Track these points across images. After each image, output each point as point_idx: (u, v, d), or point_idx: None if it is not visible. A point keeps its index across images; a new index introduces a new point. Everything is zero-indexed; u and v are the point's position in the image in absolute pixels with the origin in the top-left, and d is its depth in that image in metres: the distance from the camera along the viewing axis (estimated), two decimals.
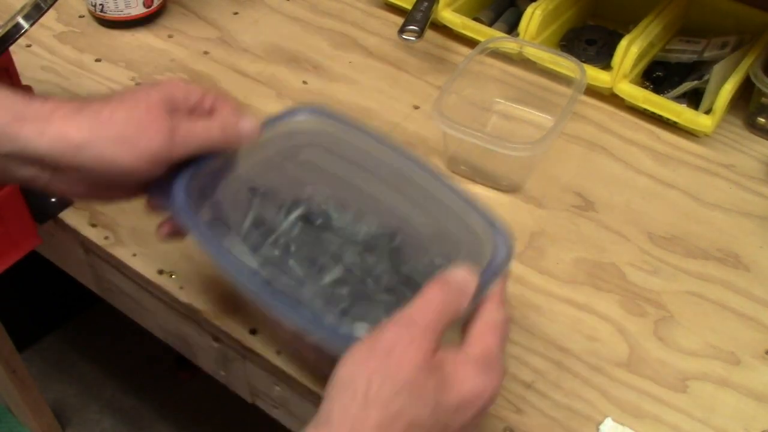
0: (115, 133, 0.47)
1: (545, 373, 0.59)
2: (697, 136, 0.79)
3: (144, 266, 0.65)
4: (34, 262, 0.75)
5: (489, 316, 0.46)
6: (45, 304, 1.47)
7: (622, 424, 0.56)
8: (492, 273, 0.48)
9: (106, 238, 0.67)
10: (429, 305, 0.43)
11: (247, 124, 0.54)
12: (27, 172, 0.48)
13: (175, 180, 0.51)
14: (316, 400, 0.58)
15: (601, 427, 0.55)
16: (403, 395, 0.40)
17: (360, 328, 0.51)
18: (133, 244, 0.66)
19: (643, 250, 0.68)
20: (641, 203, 0.72)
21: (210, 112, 0.53)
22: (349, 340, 0.43)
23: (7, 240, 0.68)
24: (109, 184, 0.50)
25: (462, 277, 0.45)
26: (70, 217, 0.68)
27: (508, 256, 0.50)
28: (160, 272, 0.64)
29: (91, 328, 1.52)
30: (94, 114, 0.48)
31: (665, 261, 0.67)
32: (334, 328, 0.50)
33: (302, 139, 0.58)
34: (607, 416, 0.56)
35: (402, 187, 0.56)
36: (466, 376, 0.42)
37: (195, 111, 0.53)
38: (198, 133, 0.51)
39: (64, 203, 0.69)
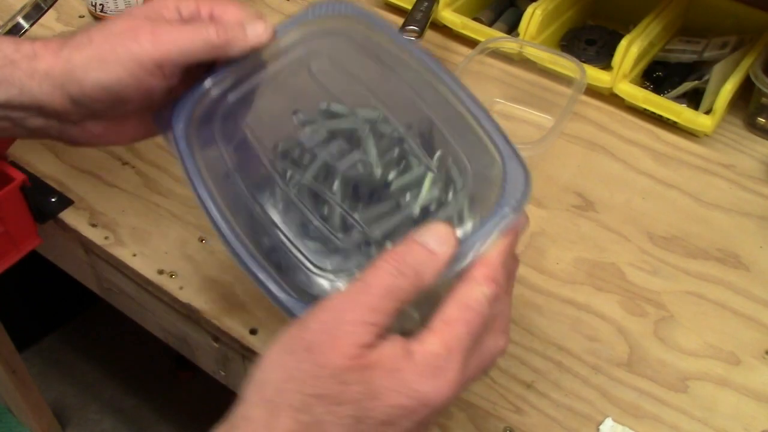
0: (93, 54, 0.45)
1: (545, 373, 0.59)
2: (697, 136, 0.79)
3: (144, 266, 0.65)
4: (34, 262, 0.75)
5: (466, 295, 0.36)
6: (45, 304, 1.47)
7: (622, 424, 0.56)
8: (496, 222, 0.38)
9: (106, 238, 0.67)
10: (372, 288, 0.35)
11: (255, 28, 0.47)
12: (36, 122, 0.47)
13: (175, 104, 0.47)
14: None
15: (601, 427, 0.55)
16: (318, 404, 0.34)
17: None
18: (133, 244, 0.66)
19: (643, 250, 0.68)
20: (641, 203, 0.72)
21: (211, 21, 0.48)
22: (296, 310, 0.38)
23: (7, 240, 0.68)
24: (118, 114, 0.48)
25: (432, 242, 0.36)
26: (70, 217, 0.68)
27: (522, 200, 0.40)
28: (160, 272, 0.64)
29: (91, 328, 1.52)
30: (75, 44, 0.46)
31: (665, 261, 0.67)
32: (284, 298, 0.40)
33: (323, 43, 0.52)
34: (607, 416, 0.56)
35: (427, 96, 0.49)
36: (402, 383, 0.34)
37: (192, 22, 0.48)
38: (188, 33, 0.45)
39: (64, 203, 0.69)
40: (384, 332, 0.35)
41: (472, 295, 0.36)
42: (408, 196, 0.45)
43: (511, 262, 0.40)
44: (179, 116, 0.46)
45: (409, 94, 0.49)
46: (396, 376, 0.34)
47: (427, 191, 0.45)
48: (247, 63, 0.49)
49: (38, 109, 0.46)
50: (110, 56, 0.45)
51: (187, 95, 0.47)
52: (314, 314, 0.36)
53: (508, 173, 0.41)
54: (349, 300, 0.35)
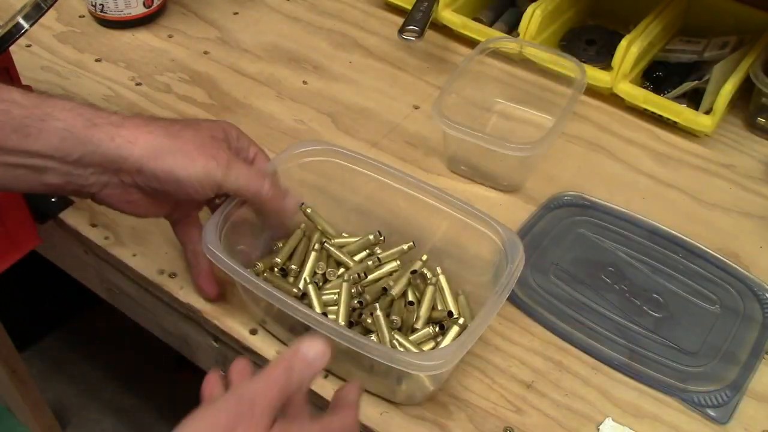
0: (180, 146, 0.52)
1: (545, 373, 0.59)
2: (697, 136, 0.79)
3: (144, 266, 0.65)
4: (34, 262, 0.75)
5: (342, 421, 0.45)
6: (45, 304, 1.47)
7: (622, 424, 0.56)
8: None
9: (106, 238, 0.67)
10: (272, 386, 0.42)
11: (291, 203, 0.58)
12: (84, 179, 0.51)
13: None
14: (315, 400, 0.58)
15: (601, 427, 0.55)
16: None
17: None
18: (133, 244, 0.66)
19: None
20: (641, 203, 0.72)
21: (252, 162, 0.58)
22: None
23: (7, 240, 0.68)
24: (158, 195, 0.53)
25: (312, 353, 0.44)
26: (70, 217, 0.68)
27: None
28: (160, 272, 0.64)
29: (92, 328, 1.52)
30: (164, 126, 0.52)
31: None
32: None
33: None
34: (607, 416, 0.56)
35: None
36: None
37: (240, 154, 0.57)
38: (250, 178, 0.54)
39: (64, 203, 0.69)
40: (274, 421, 0.42)
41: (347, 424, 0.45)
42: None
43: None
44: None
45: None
46: None
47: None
48: None
49: (102, 168, 0.51)
50: (190, 159, 0.52)
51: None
52: (226, 402, 0.41)
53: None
54: (253, 398, 0.41)
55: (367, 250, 0.62)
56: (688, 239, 0.68)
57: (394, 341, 0.55)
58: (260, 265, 0.59)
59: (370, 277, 0.59)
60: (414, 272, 0.59)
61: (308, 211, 0.62)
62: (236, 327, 0.61)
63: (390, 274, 0.60)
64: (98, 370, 1.48)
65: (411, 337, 0.56)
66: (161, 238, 0.66)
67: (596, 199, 0.70)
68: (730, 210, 0.72)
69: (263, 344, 0.60)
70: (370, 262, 0.60)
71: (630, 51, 0.78)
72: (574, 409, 0.57)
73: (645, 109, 0.79)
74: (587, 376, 0.59)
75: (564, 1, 0.86)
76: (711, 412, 0.56)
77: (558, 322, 0.62)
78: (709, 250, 0.67)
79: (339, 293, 0.58)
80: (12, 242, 0.69)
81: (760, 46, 0.80)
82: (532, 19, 0.82)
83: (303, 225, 0.63)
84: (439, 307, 0.59)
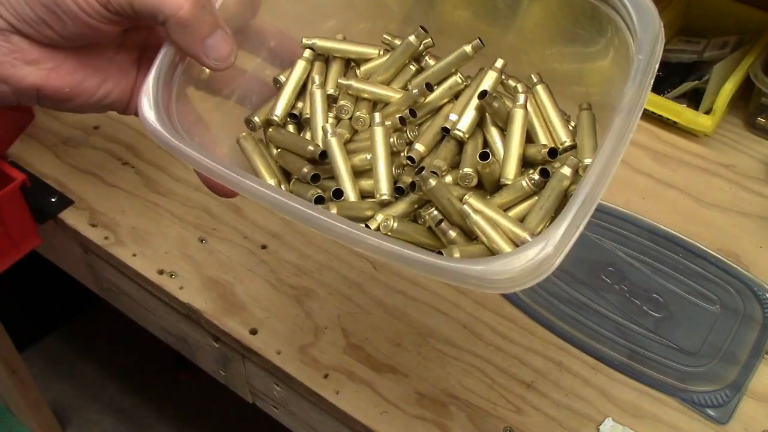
0: None
1: (545, 373, 0.59)
2: (697, 136, 0.79)
3: (144, 266, 0.65)
4: (34, 262, 0.75)
5: None
6: (45, 304, 1.47)
7: (622, 424, 0.56)
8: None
9: (106, 238, 0.67)
10: None
11: (217, 43, 0.39)
12: None
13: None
14: (316, 399, 0.58)
15: (601, 427, 0.55)
16: None
17: None
18: (133, 244, 0.66)
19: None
20: (641, 203, 0.72)
21: None
22: None
23: (7, 240, 0.68)
24: (55, 34, 0.37)
25: None
26: (70, 217, 0.68)
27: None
28: (160, 272, 0.64)
29: (92, 328, 1.52)
30: None
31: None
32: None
33: None
34: (607, 416, 0.56)
35: None
36: None
37: None
38: None
39: (64, 203, 0.69)
40: None
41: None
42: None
43: None
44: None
45: None
46: None
47: None
48: None
49: None
50: None
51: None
52: None
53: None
54: None
55: (413, 66, 0.43)
56: (688, 239, 0.68)
57: (469, 218, 0.36)
58: (257, 120, 0.44)
59: (421, 114, 0.41)
60: (484, 93, 0.39)
61: (312, 43, 0.44)
62: (236, 327, 0.61)
63: (451, 99, 0.41)
64: (98, 370, 1.48)
65: (495, 199, 0.38)
66: (161, 238, 0.66)
67: None
68: (730, 210, 0.72)
69: (263, 344, 0.60)
70: (415, 91, 0.40)
71: None
72: (574, 409, 0.57)
73: (645, 109, 0.79)
74: (587, 376, 0.59)
75: None
76: (711, 412, 0.56)
77: (558, 322, 0.62)
78: (709, 250, 0.67)
79: (373, 146, 0.39)
80: (12, 242, 0.69)
81: (760, 46, 0.80)
82: None
83: (308, 53, 0.45)
84: (541, 138, 0.40)
